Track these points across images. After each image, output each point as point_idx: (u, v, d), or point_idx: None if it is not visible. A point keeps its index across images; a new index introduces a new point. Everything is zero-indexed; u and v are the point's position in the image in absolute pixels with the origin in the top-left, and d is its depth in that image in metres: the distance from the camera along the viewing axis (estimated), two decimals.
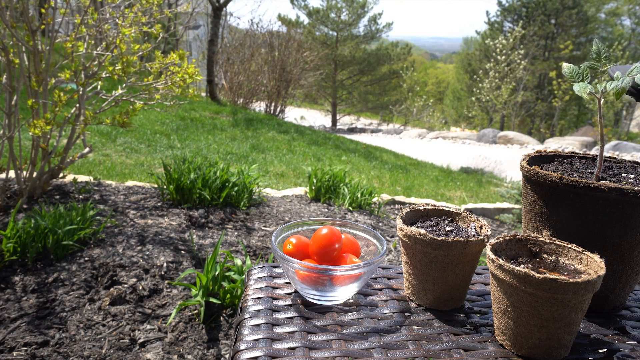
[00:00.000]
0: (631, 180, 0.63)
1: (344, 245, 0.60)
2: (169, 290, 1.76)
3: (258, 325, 0.53)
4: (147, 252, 1.98)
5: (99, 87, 2.50)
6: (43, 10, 2.17)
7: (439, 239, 0.58)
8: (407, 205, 2.92)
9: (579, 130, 17.67)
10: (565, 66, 0.61)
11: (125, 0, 2.63)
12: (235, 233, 2.33)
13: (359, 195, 3.08)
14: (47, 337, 1.45)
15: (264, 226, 2.49)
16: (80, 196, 2.54)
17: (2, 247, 1.79)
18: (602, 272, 0.51)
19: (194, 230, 2.30)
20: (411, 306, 0.61)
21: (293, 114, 11.81)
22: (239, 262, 1.74)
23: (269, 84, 8.83)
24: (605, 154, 0.67)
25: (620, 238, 0.58)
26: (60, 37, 2.33)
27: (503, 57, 14.80)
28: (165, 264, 1.90)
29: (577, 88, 0.57)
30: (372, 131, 15.08)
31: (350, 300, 0.60)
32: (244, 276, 1.62)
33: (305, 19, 19.07)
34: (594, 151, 10.24)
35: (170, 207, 2.56)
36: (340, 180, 3.22)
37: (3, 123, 2.20)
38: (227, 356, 1.46)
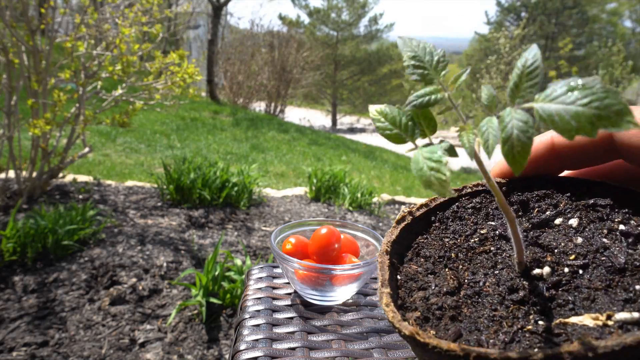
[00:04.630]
0: None
1: (343, 246, 0.60)
2: (169, 290, 1.75)
3: (258, 325, 0.53)
4: (147, 252, 1.98)
5: (98, 87, 2.50)
6: (43, 10, 2.17)
7: None
8: (408, 205, 2.92)
9: None
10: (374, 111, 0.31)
11: (125, 0, 2.63)
12: (235, 233, 2.33)
13: (359, 195, 3.08)
14: (47, 337, 1.45)
15: (263, 226, 2.49)
16: (80, 196, 2.54)
17: (2, 247, 1.79)
18: None
19: (194, 230, 2.30)
20: None
21: (293, 114, 11.81)
22: (239, 262, 1.74)
23: (269, 83, 8.83)
24: None
25: None
26: (60, 37, 2.33)
27: (506, 51, 14.76)
28: (165, 264, 1.90)
29: (417, 167, 0.25)
30: (373, 131, 15.07)
31: (350, 301, 0.60)
32: (243, 276, 1.62)
33: (306, 19, 19.08)
34: None
35: (170, 207, 2.56)
36: (340, 180, 3.22)
37: (3, 123, 2.20)
38: (227, 356, 1.46)
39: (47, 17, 2.15)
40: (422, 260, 0.32)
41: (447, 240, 0.33)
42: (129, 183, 2.95)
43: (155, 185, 2.88)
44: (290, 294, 0.60)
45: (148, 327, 1.55)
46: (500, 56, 15.51)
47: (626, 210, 0.30)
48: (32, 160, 2.34)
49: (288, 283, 0.63)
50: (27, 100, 2.17)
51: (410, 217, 0.35)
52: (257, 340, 0.50)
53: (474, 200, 0.36)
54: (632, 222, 0.29)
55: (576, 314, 0.25)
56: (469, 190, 0.37)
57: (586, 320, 0.24)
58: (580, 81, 0.21)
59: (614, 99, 0.20)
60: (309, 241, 0.59)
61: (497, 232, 0.33)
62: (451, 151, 0.26)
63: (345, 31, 18.90)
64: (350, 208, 3.01)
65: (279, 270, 0.66)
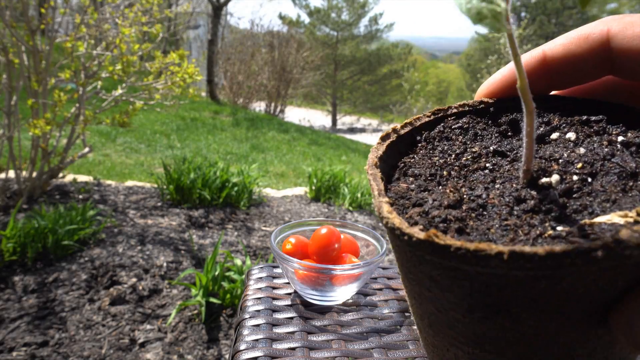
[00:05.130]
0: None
1: (343, 246, 0.60)
2: (168, 290, 1.75)
3: (258, 325, 0.53)
4: (147, 252, 1.98)
5: (98, 87, 2.50)
6: (43, 10, 2.17)
7: None
8: None
9: None
10: None
11: (125, 0, 2.63)
12: (235, 233, 2.33)
13: (359, 195, 3.08)
14: (46, 337, 1.45)
15: (264, 226, 2.49)
16: (80, 196, 2.54)
17: (2, 247, 1.79)
18: None
19: (194, 230, 2.30)
20: None
21: (293, 114, 11.82)
22: (238, 262, 1.74)
23: (269, 83, 8.83)
24: None
25: None
26: (60, 37, 2.33)
27: (507, 51, 14.68)
28: (165, 264, 1.90)
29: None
30: (373, 131, 15.09)
31: (350, 301, 0.60)
32: (243, 276, 1.62)
33: (306, 19, 19.09)
34: None
35: (170, 207, 2.56)
36: (340, 180, 3.22)
37: (3, 123, 2.20)
38: (227, 356, 1.46)
39: (47, 17, 2.15)
40: (411, 179, 0.30)
41: (436, 159, 0.31)
42: (129, 183, 2.95)
43: (155, 185, 2.88)
44: (290, 294, 0.60)
45: (148, 327, 1.55)
46: (501, 56, 15.50)
47: (620, 124, 0.29)
48: (32, 160, 2.34)
49: (288, 283, 0.63)
50: (27, 100, 2.17)
51: (395, 135, 0.32)
52: (257, 340, 0.50)
53: (460, 121, 0.33)
54: (629, 134, 0.28)
55: (598, 216, 0.23)
56: (455, 110, 0.34)
57: (615, 218, 0.22)
58: None
59: None
60: (309, 241, 0.59)
61: (490, 148, 0.31)
62: None
63: (345, 31, 18.91)
64: (350, 208, 3.01)
65: (279, 270, 0.66)
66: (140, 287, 1.73)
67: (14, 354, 1.37)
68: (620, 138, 0.28)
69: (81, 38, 2.34)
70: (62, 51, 2.28)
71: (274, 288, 0.61)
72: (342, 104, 19.16)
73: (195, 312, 1.62)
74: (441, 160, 0.31)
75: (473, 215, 0.25)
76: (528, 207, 0.25)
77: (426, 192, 0.28)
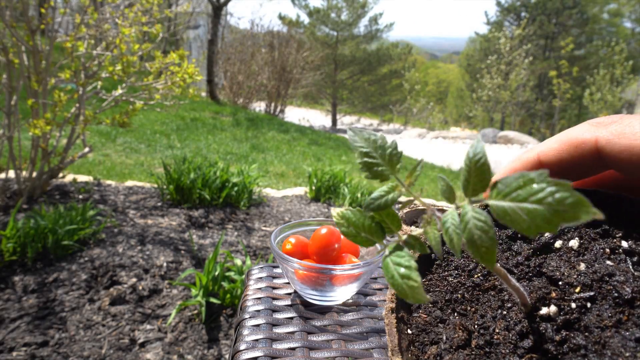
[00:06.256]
0: None
1: (343, 246, 0.60)
2: (169, 290, 1.75)
3: (258, 325, 0.53)
4: (147, 252, 1.98)
5: (98, 87, 2.50)
6: (43, 10, 2.17)
7: None
8: (409, 207, 2.91)
9: None
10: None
11: (125, 0, 2.63)
12: (235, 233, 2.33)
13: (359, 195, 3.08)
14: (46, 337, 1.45)
15: (264, 226, 2.49)
16: (80, 196, 2.54)
17: (2, 247, 1.79)
18: None
19: (194, 230, 2.30)
20: None
21: (293, 114, 11.81)
22: (238, 262, 1.74)
23: (269, 83, 8.83)
24: None
25: None
26: (60, 37, 2.33)
27: (507, 51, 14.68)
28: (165, 264, 1.90)
29: None
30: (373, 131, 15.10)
31: (350, 301, 0.60)
32: (243, 276, 1.62)
33: (305, 19, 19.09)
34: None
35: (170, 207, 2.56)
36: (340, 180, 3.22)
37: (3, 123, 2.20)
38: (227, 356, 1.46)
39: (47, 17, 2.15)
40: (430, 306, 0.32)
41: (451, 279, 0.33)
42: (129, 183, 2.95)
43: (155, 185, 2.88)
44: (290, 294, 0.60)
45: (148, 327, 1.55)
46: (501, 56, 15.48)
47: (623, 224, 0.29)
48: (32, 160, 2.34)
49: (288, 283, 0.63)
50: (27, 100, 2.17)
51: None
52: (257, 340, 0.50)
53: None
54: (629, 241, 0.28)
55: None
56: None
57: None
58: (529, 176, 0.20)
59: (566, 191, 0.19)
60: (309, 241, 0.59)
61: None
62: (421, 247, 0.26)
63: (345, 31, 18.91)
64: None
65: (279, 270, 0.66)
66: (140, 287, 1.73)
67: (14, 354, 1.37)
68: (623, 243, 0.28)
69: (81, 38, 2.34)
70: (62, 51, 2.28)
71: (274, 288, 0.61)
72: (342, 104, 19.16)
73: (195, 312, 1.62)
74: (455, 280, 0.33)
75: (481, 352, 0.28)
76: (529, 344, 0.27)
77: (442, 325, 0.31)
